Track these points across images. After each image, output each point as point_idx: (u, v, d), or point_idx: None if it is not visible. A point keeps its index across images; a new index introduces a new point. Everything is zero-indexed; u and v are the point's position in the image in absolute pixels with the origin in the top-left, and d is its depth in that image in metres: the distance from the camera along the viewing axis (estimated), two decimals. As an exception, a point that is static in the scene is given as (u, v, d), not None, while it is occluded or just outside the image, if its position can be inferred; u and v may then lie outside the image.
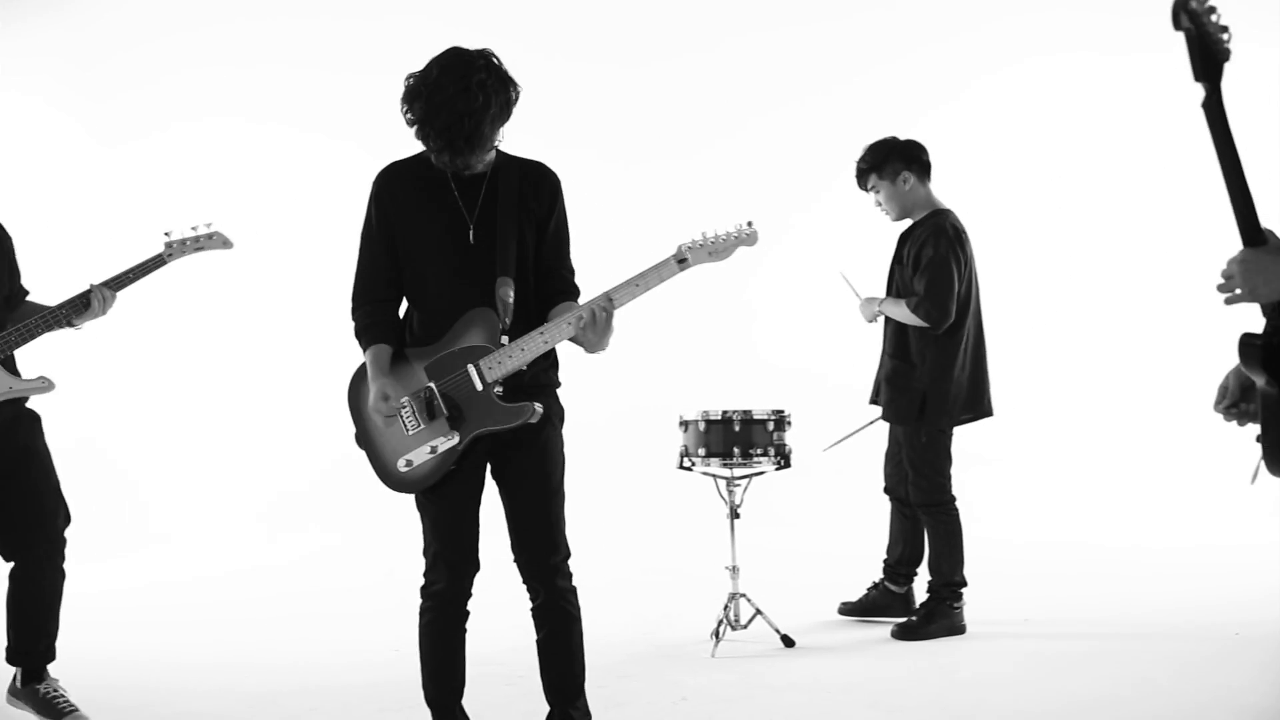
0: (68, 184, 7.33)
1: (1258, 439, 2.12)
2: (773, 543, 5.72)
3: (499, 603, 3.51)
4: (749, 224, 2.93)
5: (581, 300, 2.98)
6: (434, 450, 2.88)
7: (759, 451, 4.51)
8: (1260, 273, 1.95)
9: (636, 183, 7.35)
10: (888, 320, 4.77)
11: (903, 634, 4.59)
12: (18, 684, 3.67)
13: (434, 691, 3.04)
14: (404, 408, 2.90)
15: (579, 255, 3.08)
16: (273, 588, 6.05)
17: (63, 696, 3.64)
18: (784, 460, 4.58)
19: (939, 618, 4.60)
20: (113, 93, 7.43)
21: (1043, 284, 7.65)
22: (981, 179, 6.97)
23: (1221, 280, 2.01)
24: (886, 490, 4.95)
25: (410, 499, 3.01)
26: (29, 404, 3.63)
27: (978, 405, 4.68)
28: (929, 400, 4.60)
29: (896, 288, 4.74)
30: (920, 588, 4.85)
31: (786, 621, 4.58)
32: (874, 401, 4.90)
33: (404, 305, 3.05)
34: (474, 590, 3.00)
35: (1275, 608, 4.73)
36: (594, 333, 2.81)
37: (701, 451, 4.55)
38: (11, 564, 3.63)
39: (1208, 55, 1.87)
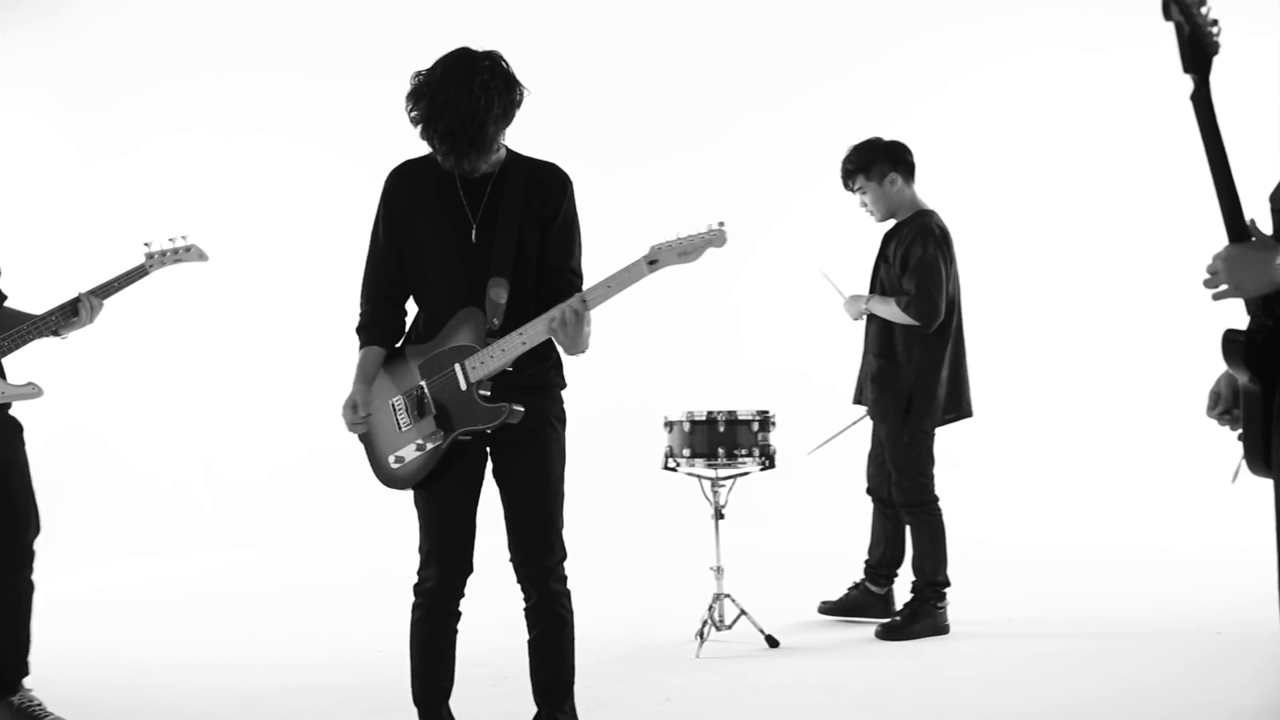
0: (48, 192, 7.30)
1: (1239, 437, 2.12)
2: (757, 543, 5.72)
3: (487, 602, 3.49)
4: (719, 224, 2.84)
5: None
6: (420, 448, 2.88)
7: (744, 452, 4.51)
8: (1245, 268, 1.96)
9: (617, 184, 7.34)
10: (870, 319, 4.78)
11: (887, 634, 4.59)
12: None
13: (420, 691, 3.02)
14: (399, 406, 2.92)
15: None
16: (257, 587, 6.02)
17: (39, 705, 3.61)
18: (769, 461, 4.58)
19: (923, 618, 4.61)
20: (95, 102, 7.41)
21: (1022, 281, 7.69)
22: (961, 177, 6.99)
23: (1207, 275, 2.02)
24: (869, 491, 4.96)
25: (403, 498, 3.00)
26: (11, 411, 3.58)
27: (959, 405, 4.69)
28: (915, 400, 4.61)
29: (881, 286, 4.75)
30: (900, 589, 4.86)
31: (771, 622, 4.58)
32: (858, 401, 4.91)
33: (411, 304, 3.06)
34: (465, 591, 2.98)
35: (1253, 608, 4.72)
36: (565, 334, 2.79)
37: (686, 452, 4.55)
38: None
39: (1197, 48, 1.87)
